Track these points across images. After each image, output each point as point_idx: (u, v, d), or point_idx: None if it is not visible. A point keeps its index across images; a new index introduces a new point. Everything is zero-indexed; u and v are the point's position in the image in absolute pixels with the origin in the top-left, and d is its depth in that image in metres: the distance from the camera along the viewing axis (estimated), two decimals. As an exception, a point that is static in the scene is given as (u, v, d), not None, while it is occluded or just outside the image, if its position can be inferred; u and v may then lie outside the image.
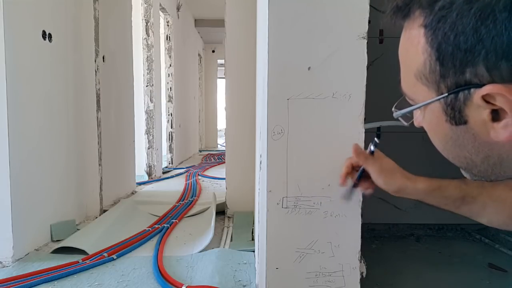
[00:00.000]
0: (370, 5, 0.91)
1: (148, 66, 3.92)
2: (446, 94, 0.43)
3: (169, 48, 4.86)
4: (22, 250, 1.65)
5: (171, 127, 4.97)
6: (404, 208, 1.97)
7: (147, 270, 1.51)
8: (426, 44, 0.43)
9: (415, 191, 0.80)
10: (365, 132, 0.94)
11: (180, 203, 2.64)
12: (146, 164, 3.93)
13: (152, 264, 1.55)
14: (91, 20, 2.29)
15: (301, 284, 0.96)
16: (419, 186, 0.79)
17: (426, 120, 0.49)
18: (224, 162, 3.03)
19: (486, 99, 0.40)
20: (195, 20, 6.95)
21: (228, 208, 2.37)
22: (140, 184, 3.51)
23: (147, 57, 3.91)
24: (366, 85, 0.92)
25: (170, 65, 4.92)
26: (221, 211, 2.38)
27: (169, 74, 4.93)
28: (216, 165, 5.09)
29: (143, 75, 3.90)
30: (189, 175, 3.98)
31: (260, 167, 1.05)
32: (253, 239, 1.85)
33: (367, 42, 0.91)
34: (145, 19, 3.87)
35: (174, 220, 2.18)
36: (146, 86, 3.92)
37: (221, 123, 9.02)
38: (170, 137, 4.95)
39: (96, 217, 2.29)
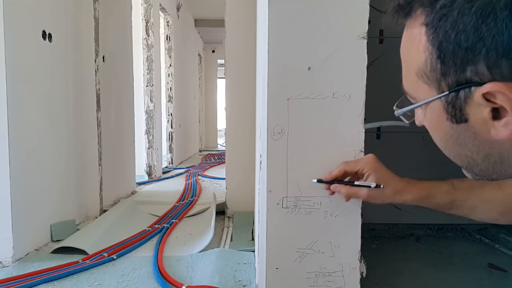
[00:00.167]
0: (370, 5, 0.91)
1: (148, 66, 3.92)
2: (447, 92, 0.43)
3: (169, 48, 4.86)
4: (22, 250, 1.65)
5: (171, 127, 4.97)
6: (404, 208, 1.97)
7: (147, 270, 1.51)
8: (427, 42, 0.43)
9: (403, 202, 0.83)
10: (365, 132, 0.94)
11: (180, 203, 2.64)
12: (146, 164, 3.94)
13: (152, 264, 1.55)
14: (91, 20, 2.29)
15: (301, 284, 0.96)
16: (407, 198, 0.83)
17: (427, 118, 0.49)
18: (224, 162, 3.03)
19: (486, 97, 0.40)
20: (195, 20, 6.95)
21: (228, 208, 2.37)
22: (140, 184, 3.51)
23: (147, 57, 3.91)
24: (366, 85, 0.92)
25: (170, 65, 4.92)
26: (221, 211, 2.38)
27: (169, 74, 4.93)
28: (216, 165, 5.09)
29: (143, 75, 3.89)
30: (189, 175, 3.98)
31: (260, 167, 1.05)
32: (253, 239, 1.85)
33: (367, 42, 0.91)
34: (145, 19, 3.87)
35: (174, 220, 2.18)
36: (146, 86, 3.92)
37: (221, 123, 9.02)
38: (170, 137, 4.95)
39: (96, 217, 2.29)
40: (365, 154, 0.93)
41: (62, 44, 2.04)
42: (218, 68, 9.29)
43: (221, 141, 9.49)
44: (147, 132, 3.95)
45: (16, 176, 1.62)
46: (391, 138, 1.99)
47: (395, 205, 2.01)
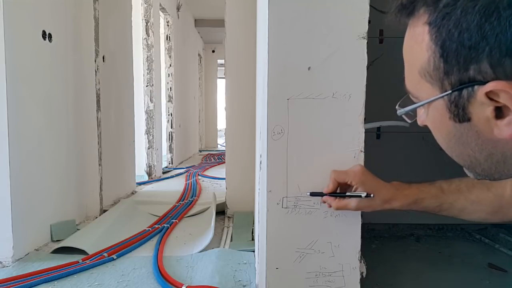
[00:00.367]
0: (370, 5, 0.91)
1: (148, 66, 3.92)
2: (450, 91, 0.43)
3: (169, 48, 4.86)
4: (22, 250, 1.65)
5: (171, 127, 4.97)
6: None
7: (147, 270, 1.51)
8: (430, 41, 0.43)
9: (392, 209, 0.86)
10: (365, 132, 0.94)
11: (180, 203, 2.64)
12: (146, 164, 3.93)
13: (152, 264, 1.55)
14: (91, 20, 2.29)
15: (301, 284, 0.96)
16: (395, 205, 0.85)
17: (430, 118, 0.49)
18: (224, 162, 3.03)
19: (489, 96, 0.40)
20: (195, 20, 6.95)
21: (228, 208, 2.37)
22: (140, 184, 3.51)
23: (147, 57, 3.91)
24: (366, 85, 0.92)
25: (170, 65, 4.92)
26: (221, 211, 2.38)
27: (169, 74, 4.93)
28: (216, 165, 5.09)
29: (143, 75, 3.89)
30: (189, 175, 3.98)
31: (260, 167, 1.05)
32: (253, 239, 1.85)
33: (367, 42, 0.91)
34: (145, 19, 3.87)
35: (174, 220, 2.18)
36: (146, 86, 3.92)
37: (221, 123, 9.02)
38: (170, 137, 4.95)
39: (96, 217, 2.29)
40: (365, 154, 0.93)
41: (62, 44, 2.04)
42: (218, 68, 9.29)
43: (221, 141, 9.49)
44: (147, 132, 3.95)
45: (16, 176, 1.62)
46: (391, 138, 1.99)
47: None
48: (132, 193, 3.09)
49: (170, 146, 4.93)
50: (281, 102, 0.92)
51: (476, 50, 0.39)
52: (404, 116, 0.53)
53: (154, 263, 1.54)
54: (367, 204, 0.85)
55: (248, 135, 2.27)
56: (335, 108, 0.92)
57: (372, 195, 0.84)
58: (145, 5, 3.84)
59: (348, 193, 0.87)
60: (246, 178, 2.23)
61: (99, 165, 2.38)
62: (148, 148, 3.94)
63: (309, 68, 0.91)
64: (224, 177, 2.48)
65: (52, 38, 1.92)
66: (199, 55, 7.88)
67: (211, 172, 4.37)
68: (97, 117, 2.35)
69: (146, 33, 3.89)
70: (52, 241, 1.88)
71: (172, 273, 1.47)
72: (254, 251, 1.65)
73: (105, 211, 2.39)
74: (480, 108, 0.42)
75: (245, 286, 1.36)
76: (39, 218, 1.81)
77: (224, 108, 2.49)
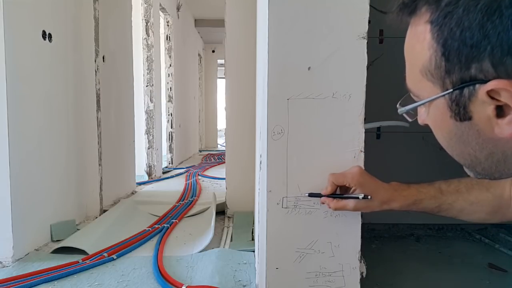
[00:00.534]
0: (370, 5, 0.91)
1: (148, 66, 3.92)
2: (451, 90, 0.43)
3: (169, 48, 4.86)
4: (22, 250, 1.65)
5: (171, 127, 4.97)
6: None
7: (147, 270, 1.51)
8: (432, 40, 0.43)
9: (391, 210, 0.86)
10: (365, 132, 0.94)
11: (180, 203, 2.64)
12: (146, 164, 3.93)
13: (152, 264, 1.55)
14: (91, 20, 2.29)
15: (301, 284, 0.96)
16: (394, 206, 0.85)
17: (431, 116, 0.49)
18: (224, 162, 3.03)
19: (491, 94, 0.40)
20: (195, 20, 6.95)
21: (228, 208, 2.37)
22: (140, 184, 3.51)
23: (147, 57, 3.91)
24: (366, 85, 0.92)
25: (170, 65, 4.92)
26: (221, 211, 2.38)
27: (169, 74, 4.93)
28: (216, 165, 5.09)
29: (143, 75, 3.89)
30: (189, 175, 3.98)
31: (260, 167, 1.05)
32: (253, 239, 1.85)
33: (367, 42, 0.91)
34: (145, 19, 3.87)
35: (174, 220, 2.18)
36: (146, 86, 3.92)
37: (221, 123, 9.02)
38: (170, 137, 4.95)
39: (96, 217, 2.29)
40: (365, 154, 0.93)
41: (62, 44, 2.04)
42: (218, 68, 9.29)
43: (221, 141, 9.49)
44: (147, 132, 3.95)
45: (16, 176, 1.62)
46: (391, 138, 1.99)
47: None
48: (132, 193, 3.09)
49: (170, 146, 4.93)
50: (281, 102, 0.92)
51: (477, 49, 0.39)
52: (405, 115, 0.53)
53: (154, 263, 1.54)
54: (365, 205, 0.85)
55: (248, 135, 2.27)
56: (335, 108, 0.92)
57: (369, 197, 0.84)
58: (145, 5, 3.84)
59: (345, 195, 0.88)
60: (246, 178, 2.23)
61: (99, 165, 2.38)
62: (148, 148, 3.94)
63: (309, 68, 0.91)
64: (224, 177, 2.48)
65: (52, 38, 1.92)
66: (199, 55, 7.88)
67: (211, 172, 4.37)
68: (97, 117, 2.35)
69: (146, 33, 3.89)
70: (52, 241, 1.88)
71: (172, 273, 1.47)
72: (254, 251, 1.65)
73: (105, 211, 2.39)
74: (481, 107, 0.42)
75: (245, 286, 1.36)
76: (39, 218, 1.81)
77: (224, 108, 2.49)
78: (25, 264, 1.57)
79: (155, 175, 3.98)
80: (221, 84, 9.06)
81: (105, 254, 1.64)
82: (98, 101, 2.36)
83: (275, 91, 0.92)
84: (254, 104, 1.98)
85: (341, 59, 0.91)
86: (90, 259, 1.60)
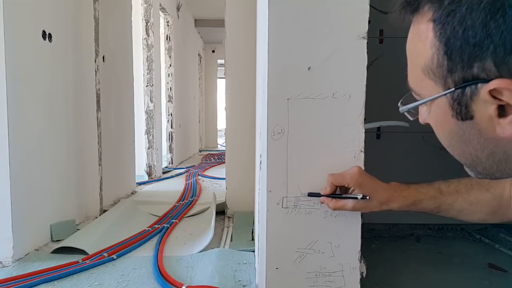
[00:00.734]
0: (370, 5, 0.91)
1: (148, 66, 3.92)
2: (453, 89, 0.43)
3: (169, 48, 4.86)
4: (22, 250, 1.65)
5: (171, 127, 4.97)
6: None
7: (147, 270, 1.51)
8: (434, 38, 0.43)
9: (390, 210, 0.86)
10: (365, 132, 0.94)
11: (180, 203, 2.64)
12: (146, 164, 3.93)
13: (152, 264, 1.55)
14: (91, 20, 2.29)
15: (301, 284, 0.96)
16: (393, 206, 0.85)
17: (432, 115, 0.49)
18: (224, 162, 3.03)
19: (493, 94, 0.40)
20: (195, 20, 6.95)
21: (228, 208, 2.37)
22: (140, 184, 3.51)
23: (147, 57, 3.91)
24: (366, 85, 0.92)
25: (170, 65, 4.92)
26: (221, 211, 2.38)
27: (169, 74, 4.93)
28: (216, 165, 5.09)
29: (143, 75, 3.89)
30: (189, 175, 3.98)
31: (260, 167, 1.05)
32: (253, 239, 1.85)
33: (367, 42, 0.91)
34: (145, 19, 3.87)
35: (174, 220, 2.18)
36: (146, 86, 3.92)
37: (221, 123, 9.02)
38: (170, 137, 4.95)
39: (96, 217, 2.29)
40: (365, 154, 0.93)
41: (62, 44, 2.04)
42: (218, 68, 9.29)
43: (221, 141, 9.49)
44: (147, 132, 3.95)
45: (16, 176, 1.62)
46: (391, 138, 1.99)
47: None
48: (132, 193, 3.09)
49: (170, 146, 4.93)
50: (281, 102, 0.92)
51: (480, 48, 0.39)
52: (406, 114, 0.53)
53: (154, 263, 1.54)
54: (364, 205, 0.85)
55: (248, 135, 2.27)
56: (335, 108, 0.92)
57: (368, 197, 0.84)
58: (145, 5, 3.84)
59: (344, 195, 0.88)
60: (246, 178, 2.23)
61: (99, 165, 2.38)
62: (148, 148, 3.94)
63: (309, 68, 0.91)
64: (224, 177, 2.48)
65: (52, 38, 1.92)
66: (199, 55, 7.88)
67: (211, 172, 4.37)
68: (97, 117, 2.35)
69: (146, 33, 3.89)
70: (52, 241, 1.88)
71: (172, 273, 1.47)
72: (254, 251, 1.65)
73: (105, 211, 2.39)
74: (483, 106, 0.42)
75: (245, 286, 1.36)
76: (39, 218, 1.81)
77: (224, 108, 2.49)
78: (25, 264, 1.57)
79: (155, 175, 3.98)
80: (221, 84, 9.06)
81: (105, 254, 1.64)
82: (98, 101, 2.36)
83: (275, 91, 0.92)
84: (254, 104, 1.98)
85: (341, 59, 0.91)
86: (90, 259, 1.60)
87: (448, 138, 0.49)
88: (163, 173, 4.28)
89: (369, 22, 0.91)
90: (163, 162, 4.48)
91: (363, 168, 0.91)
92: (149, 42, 3.90)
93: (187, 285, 1.33)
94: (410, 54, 0.48)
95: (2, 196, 1.57)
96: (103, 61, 2.48)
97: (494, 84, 0.39)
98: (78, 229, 2.03)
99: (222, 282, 1.37)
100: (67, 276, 1.45)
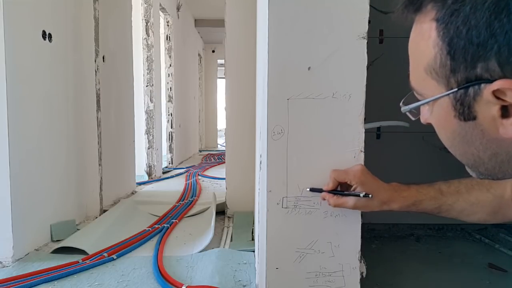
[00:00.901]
0: (370, 5, 0.91)
1: (148, 66, 3.92)
2: (456, 89, 0.43)
3: (169, 48, 4.86)
4: (22, 250, 1.65)
5: (171, 127, 4.97)
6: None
7: (147, 270, 1.51)
8: (437, 38, 0.42)
9: (391, 210, 0.86)
10: (365, 132, 0.94)
11: (180, 203, 2.64)
12: (146, 164, 3.93)
13: (152, 264, 1.55)
14: (91, 20, 2.29)
15: (301, 284, 0.96)
16: (393, 207, 0.85)
17: (434, 115, 0.48)
18: (224, 162, 3.03)
19: (496, 94, 0.40)
20: (195, 20, 6.95)
21: (228, 208, 2.37)
22: (140, 184, 3.51)
23: (147, 57, 3.91)
24: (366, 85, 0.92)
25: (170, 65, 4.92)
26: (221, 211, 2.38)
27: (169, 74, 4.93)
28: (216, 165, 5.09)
29: (143, 75, 3.89)
30: (189, 175, 3.98)
31: (260, 167, 1.05)
32: (253, 239, 1.85)
33: (367, 42, 0.91)
34: (145, 19, 3.87)
35: (174, 220, 2.18)
36: (146, 86, 3.92)
37: (221, 123, 9.02)
38: (170, 137, 4.95)
39: (96, 217, 2.29)
40: (365, 154, 0.93)
41: (62, 44, 2.04)
42: (218, 68, 9.29)
43: (221, 141, 9.49)
44: (147, 132, 3.95)
45: (16, 176, 1.62)
46: (391, 138, 1.99)
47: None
48: (132, 193, 3.09)
49: (170, 146, 4.93)
50: (281, 102, 0.92)
51: (484, 48, 0.39)
52: (408, 114, 0.53)
53: (154, 263, 1.54)
54: (364, 204, 0.85)
55: (248, 135, 2.27)
56: (335, 108, 0.92)
57: (370, 196, 0.84)
58: (145, 5, 3.84)
59: (346, 192, 0.87)
60: (246, 178, 2.23)
61: (99, 165, 2.38)
62: (148, 148, 3.94)
63: (309, 68, 0.91)
64: (224, 177, 2.48)
65: (52, 38, 1.92)
66: (199, 55, 7.88)
67: (211, 172, 4.37)
68: (97, 117, 2.35)
69: (146, 33, 3.89)
70: (52, 241, 1.88)
71: (172, 273, 1.47)
72: (254, 251, 1.65)
73: (105, 211, 2.39)
74: (486, 106, 0.41)
75: (245, 286, 1.36)
76: (39, 218, 1.81)
77: (224, 108, 2.49)
78: (25, 264, 1.57)
79: (155, 175, 3.98)
80: (221, 84, 9.06)
81: (105, 254, 1.64)
82: (98, 101, 2.36)
83: (275, 91, 0.92)
84: (254, 104, 1.98)
85: (341, 59, 0.91)
86: (90, 259, 1.60)
87: (450, 138, 0.48)
88: (163, 173, 4.28)
89: (369, 22, 0.91)
90: (163, 162, 4.48)
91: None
92: (149, 42, 3.90)
93: (187, 285, 1.33)
94: (412, 54, 0.48)
95: (2, 196, 1.57)
96: (103, 61, 2.48)
97: (497, 84, 0.39)
98: (78, 229, 2.03)
99: (222, 282, 1.37)
100: (67, 276, 1.45)
